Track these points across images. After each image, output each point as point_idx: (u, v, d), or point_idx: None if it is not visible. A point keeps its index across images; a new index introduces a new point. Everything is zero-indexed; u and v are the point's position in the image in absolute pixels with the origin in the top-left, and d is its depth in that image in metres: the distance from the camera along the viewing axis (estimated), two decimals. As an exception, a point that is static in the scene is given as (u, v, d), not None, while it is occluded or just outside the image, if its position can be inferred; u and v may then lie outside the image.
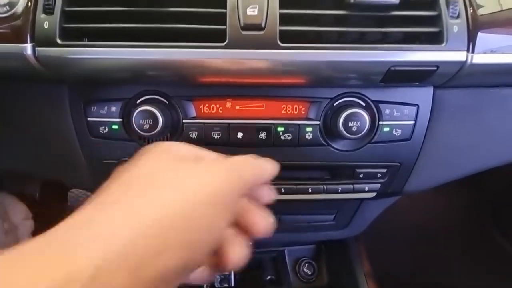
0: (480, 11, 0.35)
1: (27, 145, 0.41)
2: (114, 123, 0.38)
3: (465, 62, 0.33)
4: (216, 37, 0.32)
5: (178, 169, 0.21)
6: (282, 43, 0.32)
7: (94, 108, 0.38)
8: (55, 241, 0.17)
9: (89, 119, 0.38)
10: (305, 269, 0.64)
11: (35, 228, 0.80)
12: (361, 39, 0.34)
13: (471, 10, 0.34)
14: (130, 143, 0.39)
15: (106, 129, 0.38)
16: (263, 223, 0.24)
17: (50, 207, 0.84)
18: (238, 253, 0.22)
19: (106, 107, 0.37)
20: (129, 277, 0.16)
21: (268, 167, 0.26)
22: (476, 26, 0.34)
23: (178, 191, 0.20)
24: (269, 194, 0.27)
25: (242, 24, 0.31)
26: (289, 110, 0.38)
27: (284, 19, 0.32)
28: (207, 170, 0.22)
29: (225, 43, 0.31)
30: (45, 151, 0.41)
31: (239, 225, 0.23)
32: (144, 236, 0.17)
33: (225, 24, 0.31)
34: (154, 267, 0.17)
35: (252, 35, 0.31)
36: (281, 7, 0.32)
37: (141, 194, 0.19)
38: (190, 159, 0.23)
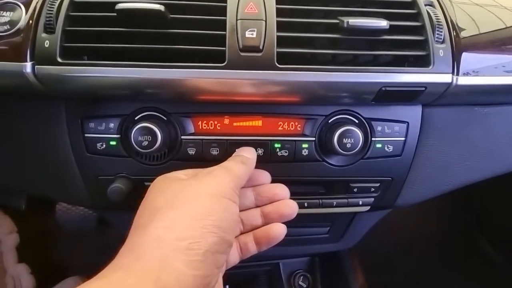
0: (462, 34, 0.37)
1: (21, 161, 0.40)
2: (112, 139, 0.38)
3: (450, 83, 0.35)
4: (216, 58, 0.33)
5: (182, 187, 0.28)
6: (279, 64, 0.33)
7: (92, 124, 0.38)
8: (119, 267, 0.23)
9: (86, 135, 0.38)
10: (300, 282, 0.64)
11: (21, 242, 0.77)
12: (354, 60, 0.36)
13: (454, 34, 0.37)
14: (126, 159, 0.39)
15: (104, 145, 0.38)
16: (283, 191, 0.35)
17: (36, 221, 0.82)
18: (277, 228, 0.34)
19: (104, 123, 0.38)
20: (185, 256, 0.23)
21: (248, 156, 0.34)
22: (459, 49, 0.36)
23: (197, 197, 0.27)
24: (264, 175, 0.36)
25: (241, 46, 0.32)
26: (285, 127, 0.39)
27: (281, 42, 0.33)
28: (203, 178, 0.29)
29: (224, 63, 0.32)
30: (40, 168, 0.40)
31: (268, 216, 0.34)
32: (186, 231, 0.24)
33: (224, 46, 0.33)
34: (200, 247, 0.24)
35: (251, 57, 0.33)
36: (278, 30, 0.33)
37: (161, 213, 0.26)
38: (189, 176, 0.31)
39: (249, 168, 0.33)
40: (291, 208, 0.34)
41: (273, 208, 0.34)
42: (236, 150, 0.36)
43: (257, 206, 0.35)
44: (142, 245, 0.24)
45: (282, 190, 0.35)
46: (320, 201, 0.43)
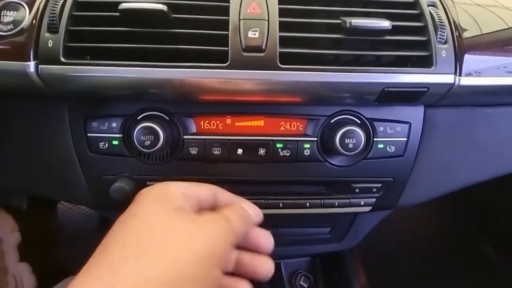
0: (465, 35, 0.37)
1: (24, 162, 0.40)
2: (115, 138, 0.38)
3: (453, 84, 0.35)
4: (218, 58, 0.33)
5: (175, 227, 0.23)
6: (282, 64, 0.33)
7: (94, 124, 0.38)
8: None
9: (89, 134, 0.38)
10: (301, 282, 0.64)
11: (22, 241, 0.77)
12: (356, 61, 0.36)
13: (457, 34, 0.37)
14: (129, 158, 0.39)
15: (106, 145, 0.38)
16: (267, 243, 0.30)
17: (37, 220, 0.82)
18: None
19: (106, 123, 0.38)
20: None
21: (254, 214, 0.30)
22: (462, 50, 0.36)
23: (173, 251, 0.22)
24: (265, 236, 0.31)
25: (243, 46, 0.32)
26: (287, 127, 0.39)
27: (284, 42, 0.33)
28: (200, 228, 0.24)
29: (227, 63, 0.33)
30: (43, 168, 0.40)
31: (242, 267, 0.29)
32: None
33: (227, 46, 0.33)
34: None
35: (253, 57, 0.33)
36: (281, 30, 0.33)
37: (139, 254, 0.21)
38: (185, 211, 0.25)
39: (249, 228, 0.29)
40: (266, 270, 0.30)
41: (249, 260, 0.30)
42: (238, 200, 0.31)
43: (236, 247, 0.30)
44: None
45: (266, 241, 0.31)
46: (322, 201, 0.43)
